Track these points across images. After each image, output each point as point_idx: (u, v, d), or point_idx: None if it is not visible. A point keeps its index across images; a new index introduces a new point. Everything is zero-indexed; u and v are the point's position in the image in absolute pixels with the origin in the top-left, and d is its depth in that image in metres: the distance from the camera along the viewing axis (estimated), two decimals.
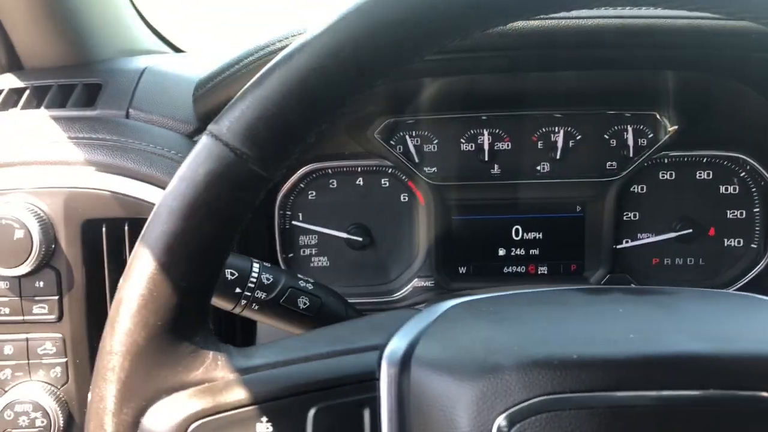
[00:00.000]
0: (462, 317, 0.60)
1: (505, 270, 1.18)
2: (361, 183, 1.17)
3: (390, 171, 1.17)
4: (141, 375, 0.52)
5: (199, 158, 0.52)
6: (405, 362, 0.55)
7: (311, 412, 0.53)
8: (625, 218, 1.16)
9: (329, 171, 1.16)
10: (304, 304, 0.76)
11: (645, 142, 1.12)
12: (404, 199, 1.18)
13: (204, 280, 0.54)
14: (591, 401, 0.49)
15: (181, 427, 0.51)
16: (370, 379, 0.54)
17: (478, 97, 1.12)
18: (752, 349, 0.51)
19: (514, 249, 1.18)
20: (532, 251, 1.17)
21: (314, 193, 1.17)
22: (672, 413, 0.48)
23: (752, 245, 1.16)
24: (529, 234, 1.17)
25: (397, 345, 0.56)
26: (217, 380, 0.53)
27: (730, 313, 0.59)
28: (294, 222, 1.17)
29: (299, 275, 0.80)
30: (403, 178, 1.16)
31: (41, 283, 0.95)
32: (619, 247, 1.16)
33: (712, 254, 1.17)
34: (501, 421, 0.49)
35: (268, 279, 0.75)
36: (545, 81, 1.09)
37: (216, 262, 0.55)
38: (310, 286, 0.78)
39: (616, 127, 1.13)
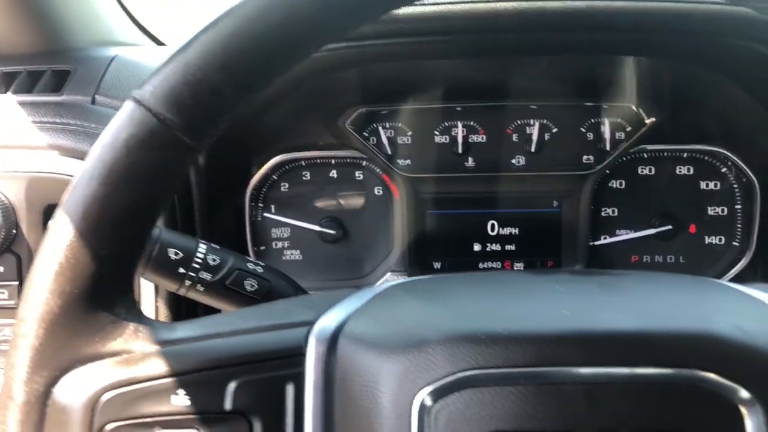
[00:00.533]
0: (398, 295, 0.58)
1: (481, 266, 1.16)
2: (335, 175, 1.16)
3: (364, 163, 1.15)
4: (55, 343, 0.50)
5: (121, 123, 0.51)
6: (334, 338, 0.53)
7: (231, 386, 0.51)
8: (603, 214, 1.14)
9: (302, 163, 1.15)
10: (252, 286, 0.74)
11: (623, 135, 1.10)
12: (379, 192, 1.16)
13: (126, 250, 0.52)
14: (517, 377, 0.47)
15: (92, 398, 0.50)
16: (296, 355, 0.52)
17: (452, 86, 1.10)
18: (687, 327, 0.48)
19: (489, 244, 1.15)
20: (507, 247, 1.15)
21: (287, 185, 1.15)
22: (601, 391, 0.46)
23: (734, 243, 1.13)
24: (505, 229, 1.15)
25: (327, 321, 0.54)
26: (136, 352, 0.52)
27: (675, 293, 0.56)
28: (266, 214, 1.16)
29: (250, 258, 0.78)
30: (378, 171, 1.15)
31: (1, 269, 0.94)
32: (596, 243, 1.14)
33: (692, 252, 1.14)
34: (423, 396, 0.47)
35: (214, 260, 0.73)
36: (520, 70, 1.08)
37: (139, 231, 0.53)
38: (259, 269, 0.76)
39: (592, 120, 1.11)
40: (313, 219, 1.16)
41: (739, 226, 1.12)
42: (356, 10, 0.51)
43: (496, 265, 1.16)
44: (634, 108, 1.08)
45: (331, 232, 1.14)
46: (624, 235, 1.14)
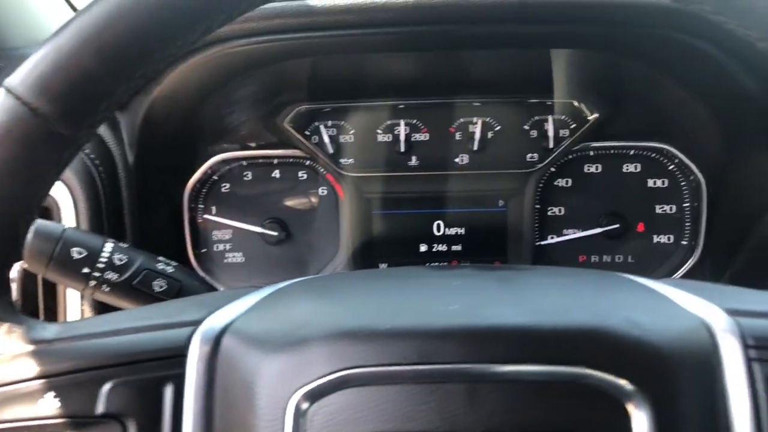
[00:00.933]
0: (293, 293, 0.56)
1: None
2: (278, 175, 1.13)
3: (308, 163, 1.13)
4: None
5: None
6: (219, 337, 0.50)
7: (105, 388, 0.48)
8: (549, 213, 1.12)
9: (243, 162, 1.12)
10: (161, 287, 0.71)
11: (567, 132, 1.08)
12: (323, 192, 1.14)
13: None
14: (397, 375, 0.44)
15: None
16: (178, 355, 0.50)
17: (394, 83, 1.08)
18: (577, 323, 0.46)
19: (436, 245, 1.13)
20: (454, 247, 1.13)
21: (228, 186, 1.13)
22: (485, 389, 0.44)
23: (682, 242, 1.11)
24: (451, 229, 1.12)
25: (215, 320, 0.52)
26: (5, 353, 0.49)
27: (575, 289, 0.54)
28: (206, 216, 1.13)
29: (162, 258, 0.75)
30: (322, 170, 1.12)
31: None
32: (543, 243, 1.12)
33: (641, 251, 1.12)
34: (298, 397, 0.45)
35: (121, 259, 0.71)
36: (462, 67, 1.06)
37: (12, 227, 0.50)
38: (169, 269, 0.73)
39: (536, 117, 1.09)
40: (256, 220, 1.13)
41: (687, 224, 1.10)
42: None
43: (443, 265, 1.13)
44: (575, 104, 1.07)
45: (274, 233, 1.12)
46: (571, 235, 1.12)
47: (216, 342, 0.50)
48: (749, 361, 0.46)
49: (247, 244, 1.14)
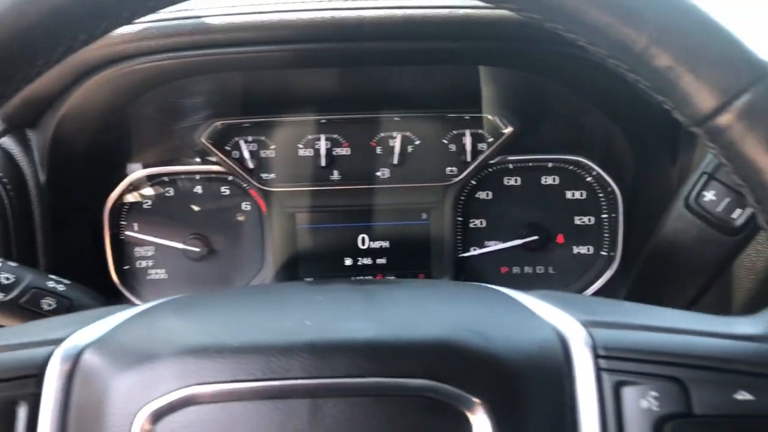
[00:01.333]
0: (160, 311, 0.56)
1: (353, 280, 1.14)
2: (200, 191, 1.13)
3: (230, 178, 1.12)
4: None
5: None
6: (78, 356, 0.50)
7: None
8: (471, 225, 1.13)
9: (165, 178, 1.12)
10: (50, 306, 0.71)
11: (485, 146, 1.10)
12: (246, 207, 1.14)
13: None
14: (242, 392, 0.45)
15: None
16: (33, 375, 0.49)
17: (313, 98, 1.08)
18: (424, 336, 0.47)
19: (361, 258, 1.14)
20: (379, 260, 1.13)
21: (149, 202, 1.12)
22: (328, 403, 0.44)
23: (602, 252, 1.13)
24: (376, 243, 1.13)
25: (79, 338, 0.52)
26: None
27: (436, 302, 0.55)
28: (128, 232, 1.12)
29: (53, 276, 0.74)
30: (244, 185, 1.12)
31: None
32: (465, 255, 1.13)
33: (561, 262, 1.14)
34: (145, 415, 0.44)
35: (7, 278, 0.70)
36: (383, 82, 1.06)
37: None
38: (60, 288, 0.73)
39: (454, 132, 1.10)
40: (179, 236, 1.12)
41: (606, 235, 1.12)
42: (90, 17, 0.49)
43: (368, 279, 1.14)
44: (489, 118, 1.08)
45: (196, 249, 1.11)
46: (492, 246, 1.13)
47: (76, 359, 0.49)
48: (599, 371, 0.47)
49: (170, 261, 1.13)
